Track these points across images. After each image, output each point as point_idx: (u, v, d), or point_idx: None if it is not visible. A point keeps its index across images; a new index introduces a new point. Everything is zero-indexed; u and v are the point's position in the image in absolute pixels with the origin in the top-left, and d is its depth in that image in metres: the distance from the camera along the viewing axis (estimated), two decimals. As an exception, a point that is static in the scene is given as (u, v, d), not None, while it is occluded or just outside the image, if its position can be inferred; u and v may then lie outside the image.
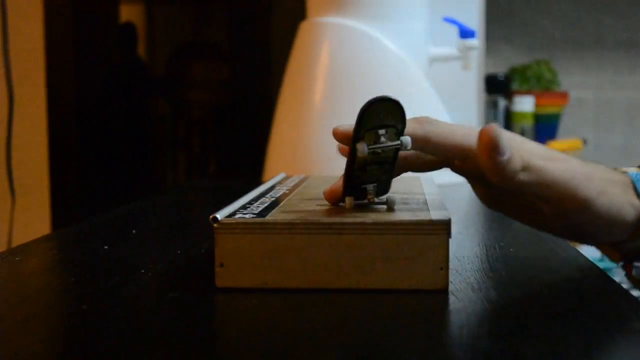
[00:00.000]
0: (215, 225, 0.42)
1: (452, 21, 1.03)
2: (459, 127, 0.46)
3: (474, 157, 0.45)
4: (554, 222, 0.47)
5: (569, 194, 0.44)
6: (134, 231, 0.64)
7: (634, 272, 0.50)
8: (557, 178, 0.44)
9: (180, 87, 1.74)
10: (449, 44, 1.04)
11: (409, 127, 0.45)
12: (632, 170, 0.49)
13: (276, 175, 0.64)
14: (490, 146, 0.41)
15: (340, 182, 0.46)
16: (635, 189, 0.47)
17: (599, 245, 0.52)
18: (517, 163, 0.42)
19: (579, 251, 0.53)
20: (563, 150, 1.91)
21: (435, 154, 0.47)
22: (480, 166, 0.43)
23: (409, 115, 0.43)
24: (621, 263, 0.51)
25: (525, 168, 0.43)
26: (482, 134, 0.42)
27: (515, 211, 0.50)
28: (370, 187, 0.46)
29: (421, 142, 0.45)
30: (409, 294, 0.41)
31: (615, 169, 0.49)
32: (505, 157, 0.41)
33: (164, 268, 0.50)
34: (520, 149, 0.44)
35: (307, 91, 0.99)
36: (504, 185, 0.44)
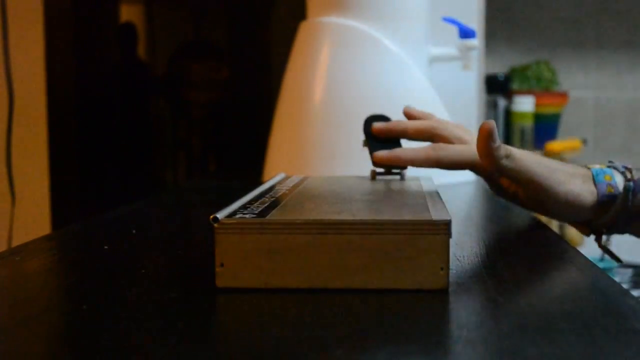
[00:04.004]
0: (215, 225, 0.42)
1: (452, 21, 1.03)
2: (465, 148, 0.65)
3: (479, 165, 0.63)
4: (528, 202, 0.64)
5: (535, 181, 0.60)
6: (134, 231, 0.64)
7: (602, 242, 0.67)
8: (528, 167, 0.59)
9: (180, 87, 1.73)
10: (449, 44, 1.04)
11: (425, 153, 0.65)
12: (596, 167, 0.63)
13: (276, 175, 0.64)
14: (487, 134, 0.56)
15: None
16: (594, 180, 0.62)
17: (570, 223, 0.68)
18: (502, 151, 0.58)
19: (579, 251, 0.54)
20: (563, 150, 1.91)
21: (450, 169, 0.66)
22: (477, 151, 0.58)
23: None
24: (593, 237, 0.67)
25: (508, 156, 0.58)
26: (482, 126, 0.56)
27: (507, 196, 0.68)
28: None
29: (435, 164, 0.65)
30: (409, 294, 0.41)
31: (584, 165, 0.64)
32: (496, 144, 0.57)
33: (164, 268, 0.50)
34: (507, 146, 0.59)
35: (307, 91, 0.99)
36: (494, 169, 0.59)
